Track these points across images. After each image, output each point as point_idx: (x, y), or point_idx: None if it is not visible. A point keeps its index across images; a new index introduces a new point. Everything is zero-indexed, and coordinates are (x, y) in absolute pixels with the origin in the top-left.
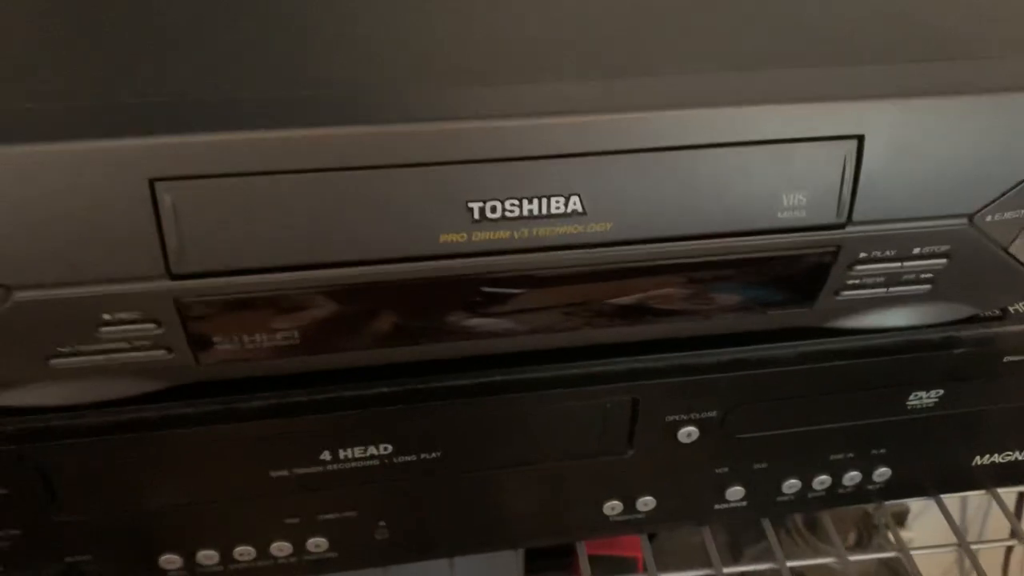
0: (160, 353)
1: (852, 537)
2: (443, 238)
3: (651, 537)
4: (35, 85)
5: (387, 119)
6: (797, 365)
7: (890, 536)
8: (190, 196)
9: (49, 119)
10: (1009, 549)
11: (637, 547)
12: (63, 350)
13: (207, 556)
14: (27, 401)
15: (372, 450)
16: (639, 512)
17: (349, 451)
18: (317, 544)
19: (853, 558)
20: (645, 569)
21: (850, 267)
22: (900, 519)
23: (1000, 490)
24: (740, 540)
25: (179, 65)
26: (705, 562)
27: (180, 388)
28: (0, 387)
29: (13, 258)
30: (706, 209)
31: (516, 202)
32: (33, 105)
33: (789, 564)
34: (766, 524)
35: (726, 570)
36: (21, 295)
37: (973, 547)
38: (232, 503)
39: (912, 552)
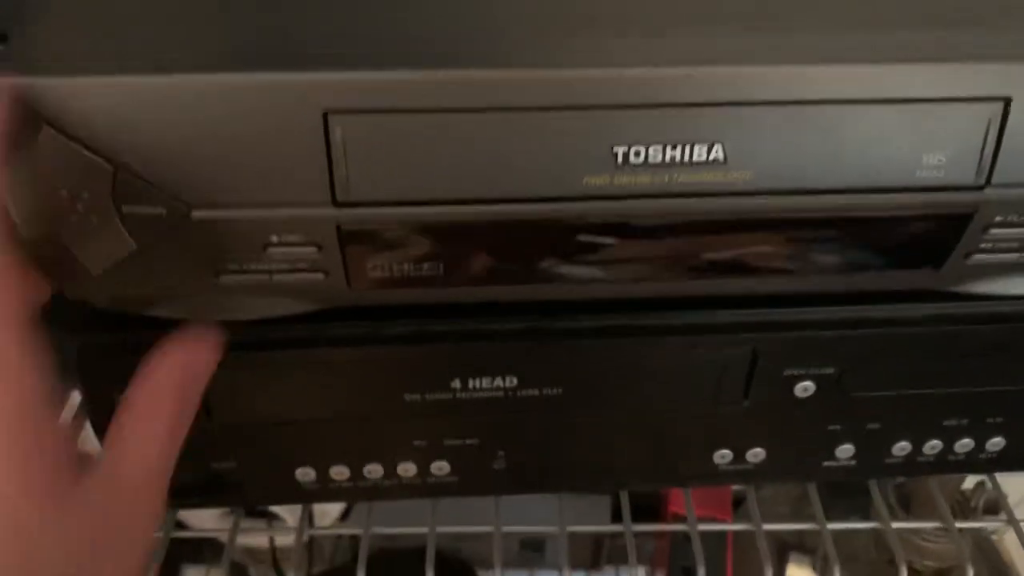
0: (317, 276)
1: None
2: (587, 180)
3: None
4: (222, 26)
5: (544, 64)
6: (920, 327)
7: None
8: (359, 129)
9: (239, 53)
10: None
11: (728, 510)
12: (232, 267)
13: (339, 472)
14: (196, 315)
15: (499, 382)
16: (748, 463)
17: (478, 381)
18: (440, 467)
19: (960, 525)
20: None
21: (984, 230)
22: (994, 507)
23: None
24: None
25: (351, 7)
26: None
27: (329, 311)
28: (171, 299)
29: (194, 179)
30: (845, 164)
31: (659, 148)
32: (222, 42)
33: (895, 526)
34: (872, 485)
35: (830, 525)
36: (198, 213)
37: None
38: (367, 423)
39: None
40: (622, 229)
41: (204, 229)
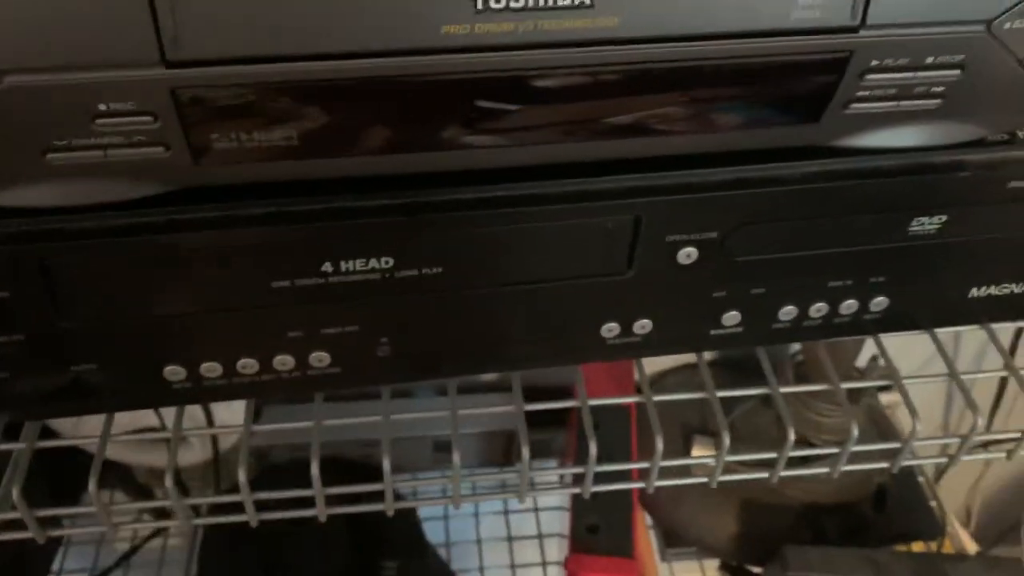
0: (158, 150)
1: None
2: (445, 29)
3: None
4: None
5: None
6: (801, 185)
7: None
8: None
9: None
10: (1003, 383)
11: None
12: (58, 143)
13: (210, 368)
14: (25, 201)
15: (373, 263)
16: (636, 335)
17: (350, 263)
18: (320, 359)
19: (845, 386)
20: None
21: (861, 76)
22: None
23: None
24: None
25: None
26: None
27: (180, 194)
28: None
29: (5, 40)
30: (717, 6)
31: None
32: None
33: (782, 390)
34: (761, 352)
35: (719, 393)
36: (13, 79)
37: (964, 377)
38: (234, 314)
39: (905, 381)
40: (486, 86)
41: (18, 100)
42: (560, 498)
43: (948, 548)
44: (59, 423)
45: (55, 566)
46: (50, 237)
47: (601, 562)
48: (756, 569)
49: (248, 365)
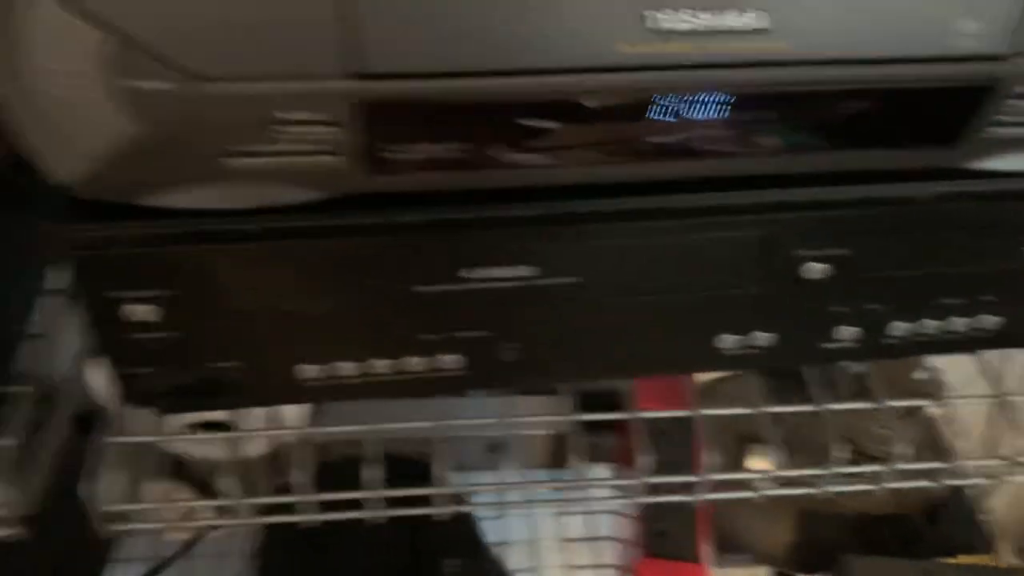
0: (330, 158)
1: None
2: (621, 49)
3: None
4: None
5: None
6: (930, 205)
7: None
8: None
9: None
10: None
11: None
12: (238, 148)
13: (343, 368)
14: (196, 203)
15: (512, 271)
16: (751, 348)
17: (490, 270)
18: (449, 361)
19: (893, 403)
20: None
21: (1002, 102)
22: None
23: None
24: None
25: None
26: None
27: (338, 201)
28: (173, 187)
29: (204, 49)
30: (880, 32)
31: (698, 13)
32: None
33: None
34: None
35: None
36: (208, 87)
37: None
38: (375, 316)
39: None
40: (657, 102)
41: (210, 106)
42: (614, 502)
43: (996, 563)
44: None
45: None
46: (212, 239)
47: (669, 566)
48: None
49: (380, 365)
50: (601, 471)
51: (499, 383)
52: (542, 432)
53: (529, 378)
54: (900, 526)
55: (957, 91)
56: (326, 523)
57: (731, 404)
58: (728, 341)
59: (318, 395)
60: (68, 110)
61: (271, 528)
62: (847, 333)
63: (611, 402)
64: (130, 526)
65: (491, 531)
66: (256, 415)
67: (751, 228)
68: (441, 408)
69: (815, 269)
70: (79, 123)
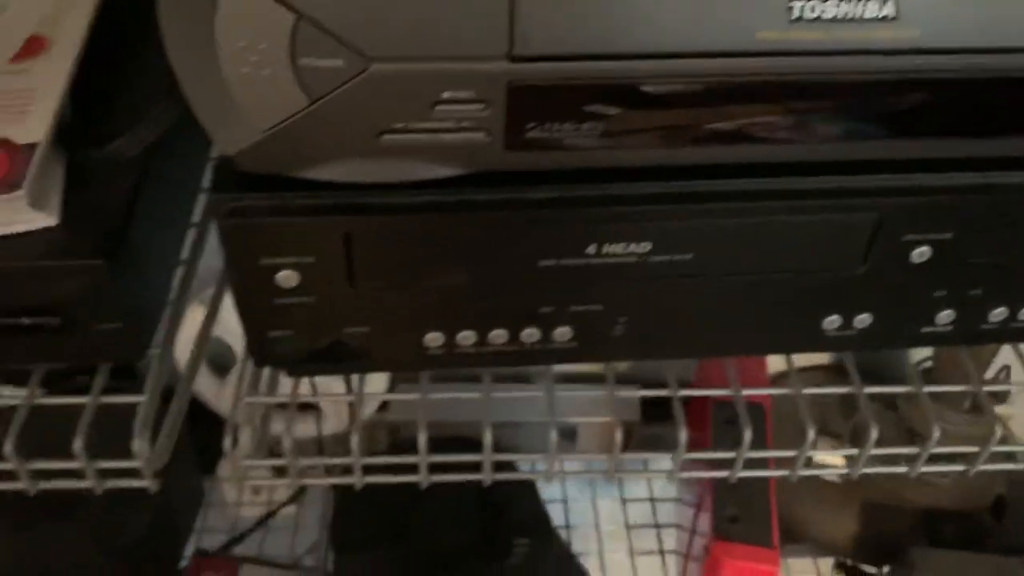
0: (479, 135)
1: (968, 403)
2: (760, 35)
3: None
4: None
5: None
6: None
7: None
8: None
9: None
10: None
11: (766, 395)
12: (397, 126)
13: (465, 337)
14: (350, 177)
15: (632, 247)
16: (853, 329)
17: (613, 246)
18: (562, 334)
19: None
20: None
21: None
22: (1002, 398)
23: None
24: (852, 402)
25: None
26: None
27: (473, 177)
28: (329, 161)
29: (376, 30)
30: (1009, 23)
31: (834, 2)
32: None
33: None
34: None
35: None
36: (378, 66)
37: None
38: (500, 287)
39: None
40: (793, 88)
41: (379, 84)
42: (676, 490)
43: None
44: (202, 391)
45: (196, 524)
46: (360, 211)
47: (744, 550)
48: (871, 569)
49: (499, 336)
50: (663, 462)
51: (605, 357)
52: (608, 420)
53: (634, 353)
54: (965, 523)
55: None
56: (402, 501)
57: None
58: (833, 323)
59: (439, 363)
60: (249, 85)
61: (345, 504)
62: (948, 317)
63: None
64: (258, 481)
65: (557, 516)
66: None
67: (865, 211)
68: (511, 396)
69: (924, 253)
70: (258, 98)
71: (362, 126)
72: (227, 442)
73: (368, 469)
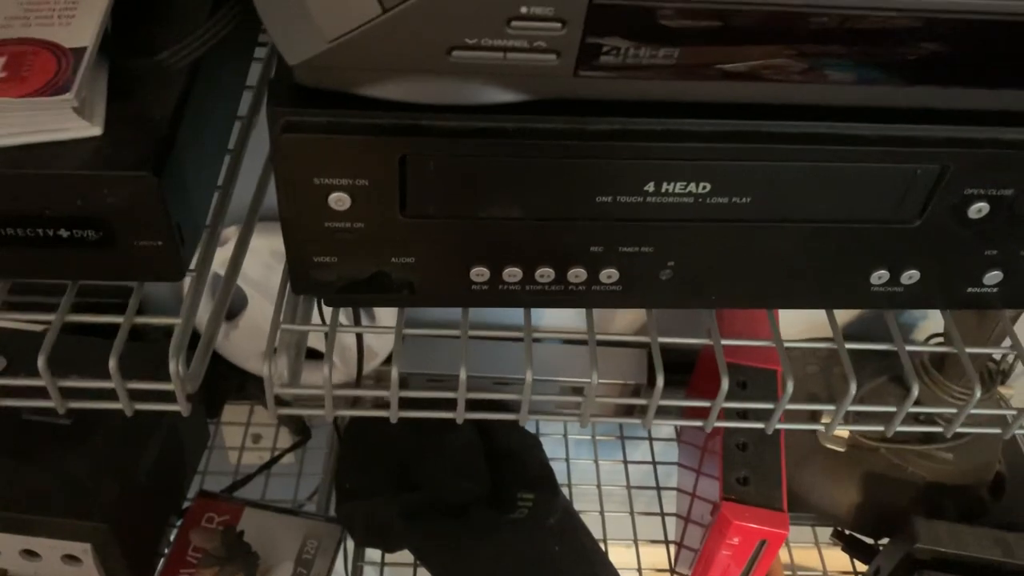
0: (550, 57)
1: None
2: None
3: None
4: None
5: None
6: None
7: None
8: None
9: None
10: None
11: (777, 360)
12: (469, 41)
13: (511, 273)
14: (416, 96)
15: (691, 187)
16: (901, 285)
17: (671, 185)
18: (609, 275)
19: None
20: None
21: None
22: (1004, 376)
23: None
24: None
25: None
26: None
27: (533, 105)
28: (395, 78)
29: None
30: None
31: None
32: None
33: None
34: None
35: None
36: None
37: None
38: (553, 224)
39: None
40: (849, 26)
41: None
42: (678, 454)
43: None
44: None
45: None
46: (419, 132)
47: (753, 512)
48: (868, 541)
49: (545, 274)
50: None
51: (648, 302)
52: (616, 382)
53: (676, 300)
54: (964, 497)
55: None
56: (405, 450)
57: (801, 369)
58: (881, 277)
59: (483, 299)
60: None
61: (349, 451)
62: (995, 279)
63: (684, 361)
64: (297, 411)
65: (560, 474)
66: (347, 346)
67: (928, 161)
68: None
69: (982, 209)
70: (329, 4)
71: (433, 40)
72: (265, 369)
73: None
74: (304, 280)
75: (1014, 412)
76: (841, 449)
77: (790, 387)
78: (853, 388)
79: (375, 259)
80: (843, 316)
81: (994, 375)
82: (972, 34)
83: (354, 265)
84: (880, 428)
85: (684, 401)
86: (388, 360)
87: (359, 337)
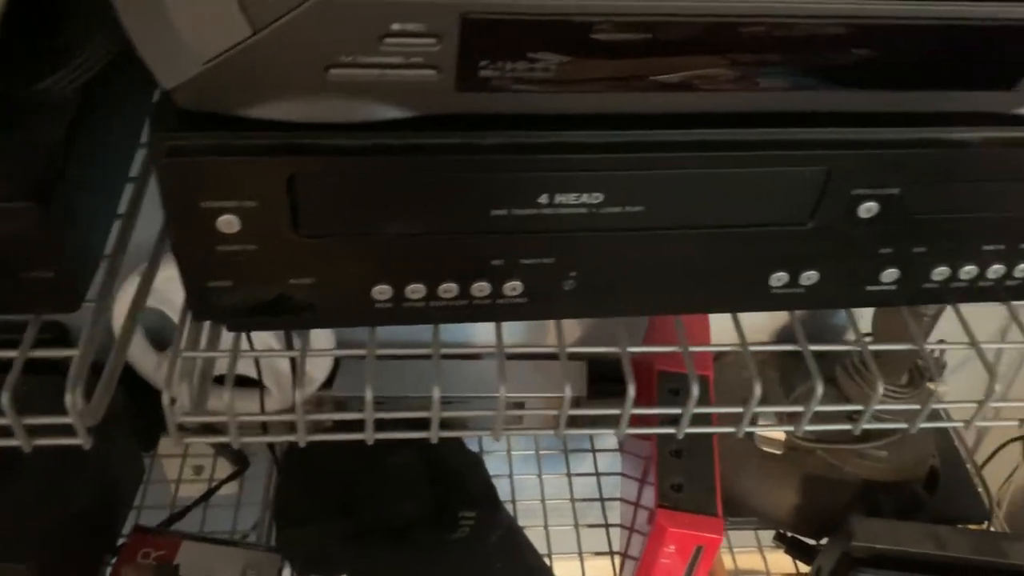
0: (429, 73)
1: (904, 378)
2: None
3: None
4: None
5: None
6: (982, 149)
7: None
8: None
9: None
10: None
11: (709, 366)
12: (345, 59)
13: (414, 290)
14: (297, 116)
15: (584, 198)
16: (800, 286)
17: (565, 196)
18: (513, 288)
19: (874, 347)
20: None
21: None
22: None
23: None
24: (791, 381)
25: None
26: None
27: (425, 121)
28: (275, 98)
29: None
30: None
31: None
32: None
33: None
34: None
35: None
36: None
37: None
38: (450, 238)
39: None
40: (737, 28)
41: (326, 13)
42: (621, 464)
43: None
44: (142, 366)
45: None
46: (305, 152)
47: (688, 518)
48: (810, 541)
49: (449, 289)
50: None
51: (554, 313)
52: (556, 395)
53: (582, 310)
54: (900, 494)
55: (1017, 33)
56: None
57: (738, 377)
58: (780, 279)
59: (388, 318)
60: (190, 12)
61: (288, 479)
62: (892, 276)
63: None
64: (202, 439)
65: (504, 491)
66: (282, 372)
67: (814, 164)
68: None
69: (871, 208)
70: (199, 26)
71: (308, 59)
72: (165, 398)
73: (314, 432)
74: (203, 306)
75: (943, 406)
76: (779, 452)
77: (758, 390)
78: (820, 390)
79: (273, 281)
80: (780, 320)
81: (923, 371)
82: (849, 39)
83: (252, 288)
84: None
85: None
86: (326, 384)
87: (293, 361)
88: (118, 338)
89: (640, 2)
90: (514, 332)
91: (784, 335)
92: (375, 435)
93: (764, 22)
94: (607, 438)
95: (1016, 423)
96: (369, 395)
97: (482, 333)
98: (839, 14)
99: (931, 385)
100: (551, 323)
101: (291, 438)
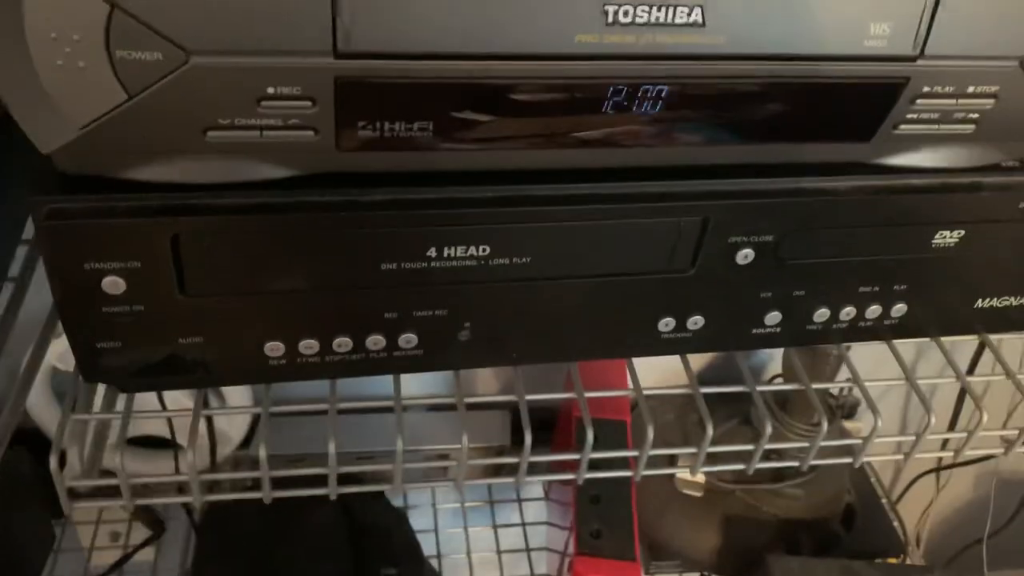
0: (308, 134)
1: (816, 417)
2: (579, 38)
3: None
4: None
5: None
6: (849, 197)
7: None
8: None
9: None
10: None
11: (626, 412)
12: (223, 122)
13: (308, 346)
14: (177, 177)
15: (472, 250)
16: (688, 331)
17: (453, 249)
18: (407, 340)
19: (816, 385)
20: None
21: (913, 101)
22: (851, 411)
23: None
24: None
25: None
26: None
27: (310, 179)
28: (154, 160)
29: (195, 23)
30: (805, 31)
31: (646, 8)
32: None
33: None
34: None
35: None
36: (198, 60)
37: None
38: (341, 293)
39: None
40: (609, 89)
41: (200, 78)
42: (547, 514)
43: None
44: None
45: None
46: (187, 212)
47: (606, 564)
48: None
49: (343, 344)
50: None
51: (451, 364)
52: (482, 445)
53: (479, 359)
54: (818, 531)
55: (874, 88)
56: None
57: (658, 418)
58: (668, 325)
59: (284, 374)
60: (64, 79)
61: (206, 541)
62: (775, 319)
63: (547, 417)
64: (93, 503)
65: (429, 546)
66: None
67: (691, 214)
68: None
69: (748, 255)
70: (73, 92)
71: (186, 123)
72: (52, 461)
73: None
74: (92, 368)
75: (859, 442)
76: (698, 494)
77: (650, 433)
78: (710, 430)
79: (162, 342)
80: (697, 362)
81: (835, 409)
82: (719, 98)
83: (142, 349)
84: (741, 467)
85: (548, 456)
86: (245, 443)
87: (209, 420)
88: (13, 393)
89: (500, 64)
90: (440, 382)
91: (705, 376)
92: (272, 493)
93: (630, 84)
94: (534, 487)
95: (930, 455)
96: (263, 453)
97: (413, 386)
98: (705, 74)
99: (850, 424)
100: (477, 372)
101: (187, 499)
